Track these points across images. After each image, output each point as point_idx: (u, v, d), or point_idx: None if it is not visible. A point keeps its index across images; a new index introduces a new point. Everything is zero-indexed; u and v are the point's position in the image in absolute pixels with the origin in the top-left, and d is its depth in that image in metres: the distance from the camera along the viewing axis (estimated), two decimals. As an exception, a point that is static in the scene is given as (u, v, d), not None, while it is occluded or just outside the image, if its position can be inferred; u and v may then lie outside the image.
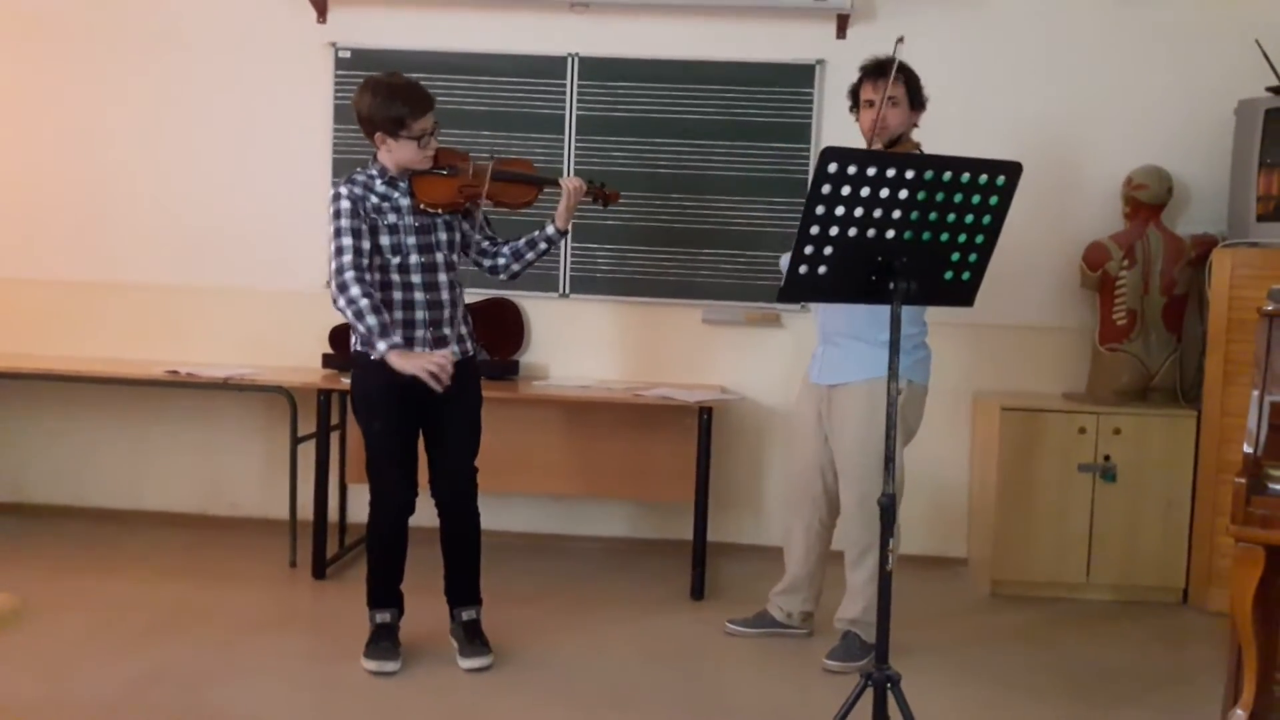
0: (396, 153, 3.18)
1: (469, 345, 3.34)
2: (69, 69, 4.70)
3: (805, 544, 3.59)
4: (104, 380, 4.32)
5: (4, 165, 4.76)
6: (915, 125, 3.42)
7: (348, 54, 4.58)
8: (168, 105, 4.68)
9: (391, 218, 3.19)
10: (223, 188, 4.68)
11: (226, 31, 4.64)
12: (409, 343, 3.20)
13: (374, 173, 3.22)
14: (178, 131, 4.68)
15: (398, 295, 3.20)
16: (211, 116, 4.67)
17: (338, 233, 3.13)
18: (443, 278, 3.26)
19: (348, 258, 3.11)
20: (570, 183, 3.36)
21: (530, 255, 3.42)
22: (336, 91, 4.59)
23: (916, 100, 3.38)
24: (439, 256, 3.25)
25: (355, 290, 3.08)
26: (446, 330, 3.25)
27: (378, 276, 3.19)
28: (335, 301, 3.12)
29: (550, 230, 3.39)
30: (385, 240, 3.18)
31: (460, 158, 3.29)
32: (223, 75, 4.66)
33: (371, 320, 3.08)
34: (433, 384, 3.09)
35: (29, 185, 4.75)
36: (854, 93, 3.46)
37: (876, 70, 3.35)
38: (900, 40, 3.02)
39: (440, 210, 3.24)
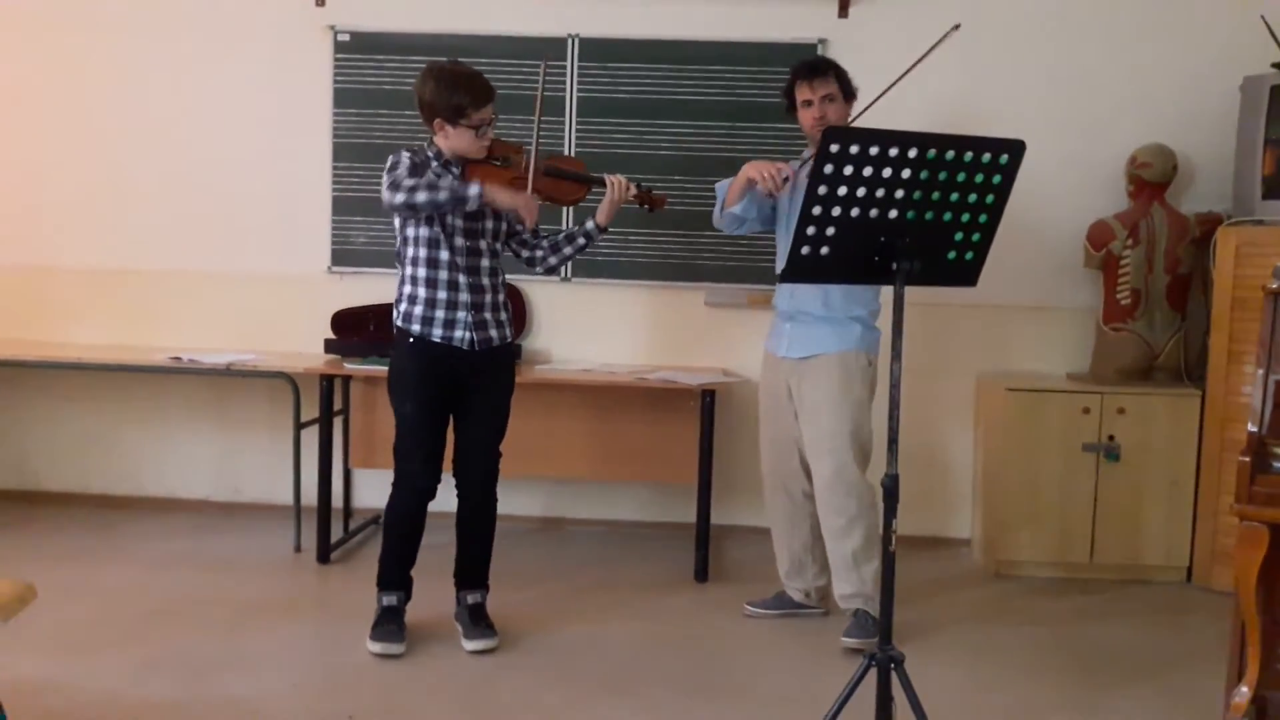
0: (453, 140, 3.20)
1: (507, 332, 3.36)
2: (67, 58, 4.69)
3: (793, 519, 3.61)
4: (107, 367, 4.32)
5: (3, 154, 4.74)
6: (848, 114, 3.51)
7: (347, 37, 4.57)
8: (167, 90, 4.67)
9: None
10: (223, 172, 4.67)
11: (226, 16, 4.63)
12: (450, 324, 3.21)
13: (430, 155, 3.25)
14: (178, 117, 4.67)
15: (443, 274, 3.22)
16: (211, 101, 4.66)
17: (395, 166, 3.13)
18: (485, 263, 3.28)
19: (403, 171, 3.10)
20: (618, 182, 3.37)
21: (568, 250, 3.45)
22: (336, 75, 4.57)
23: (849, 92, 3.50)
24: (483, 243, 3.28)
25: (409, 180, 3.06)
26: (487, 314, 3.28)
27: (424, 252, 3.21)
28: (396, 198, 3.05)
29: (590, 226, 3.42)
30: (433, 218, 3.20)
31: (514, 150, 3.33)
32: (222, 59, 4.64)
33: (442, 182, 3.08)
34: (529, 218, 3.17)
35: (28, 173, 4.75)
36: (788, 94, 3.54)
37: (809, 70, 3.47)
38: (956, 27, 3.15)
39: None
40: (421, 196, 3.06)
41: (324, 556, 4.13)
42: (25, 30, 4.70)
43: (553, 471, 4.50)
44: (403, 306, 3.26)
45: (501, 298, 3.35)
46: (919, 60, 3.20)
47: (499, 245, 3.34)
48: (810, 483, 3.56)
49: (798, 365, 3.49)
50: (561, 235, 3.45)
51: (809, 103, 3.46)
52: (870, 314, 3.49)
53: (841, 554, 3.45)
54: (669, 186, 4.46)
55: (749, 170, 3.38)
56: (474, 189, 3.10)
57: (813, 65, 3.50)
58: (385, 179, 3.12)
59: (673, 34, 4.47)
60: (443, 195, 3.07)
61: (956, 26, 3.13)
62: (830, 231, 2.38)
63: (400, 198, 3.06)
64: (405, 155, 3.19)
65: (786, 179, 3.33)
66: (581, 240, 3.44)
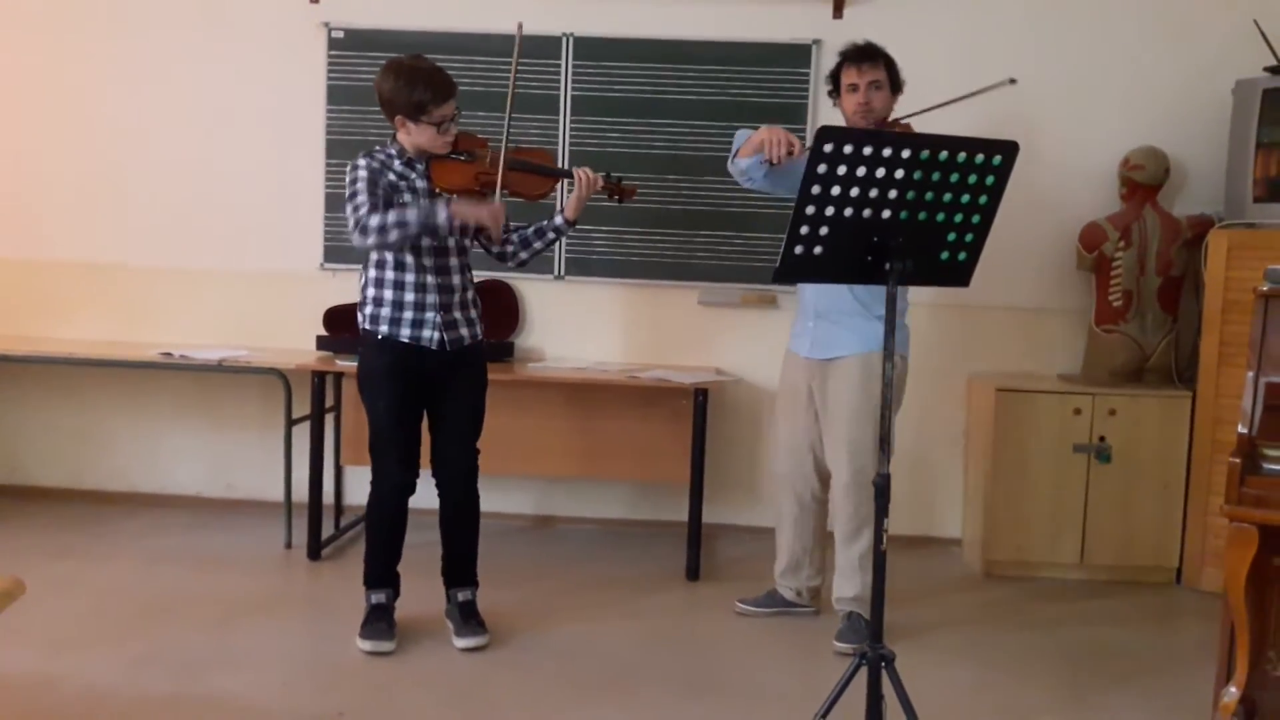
0: (415, 136, 3.18)
1: (477, 330, 3.34)
2: (62, 51, 4.67)
3: (799, 520, 3.60)
4: (98, 363, 4.31)
5: (-4, 146, 4.75)
6: (893, 106, 3.46)
7: (341, 34, 4.56)
8: (161, 86, 4.66)
9: (407, 198, 3.19)
10: (216, 168, 4.66)
11: (221, 12, 4.62)
12: (418, 325, 3.20)
13: (393, 152, 3.23)
14: (172, 112, 4.66)
15: (410, 277, 3.20)
16: (205, 97, 4.65)
17: (354, 194, 3.12)
18: (454, 261, 3.27)
19: (362, 201, 3.09)
20: (586, 175, 3.35)
21: (538, 244, 3.42)
22: (330, 72, 4.57)
23: (896, 84, 3.44)
24: (451, 241, 3.25)
25: (375, 219, 3.06)
26: (457, 314, 3.27)
27: (390, 256, 3.19)
28: (367, 241, 3.07)
29: (559, 220, 3.39)
30: None
31: (479, 144, 3.30)
32: (217, 55, 4.63)
33: (410, 214, 3.07)
34: (496, 232, 3.17)
35: (20, 167, 4.73)
36: (834, 77, 3.48)
37: (859, 55, 3.40)
38: (1013, 81, 3.20)
39: (456, 195, 3.24)
40: (394, 236, 3.06)
41: (315, 553, 4.12)
42: (19, 25, 4.68)
43: (545, 470, 4.50)
44: (368, 309, 3.23)
45: (471, 295, 3.32)
46: (964, 97, 3.20)
47: (468, 242, 3.30)
48: (822, 486, 3.57)
49: (821, 366, 3.46)
50: (531, 230, 3.42)
51: (855, 87, 3.38)
52: (900, 311, 3.42)
53: (849, 557, 3.44)
54: (663, 186, 4.48)
55: (763, 132, 3.31)
56: (442, 215, 3.08)
57: (863, 50, 3.41)
58: (348, 211, 3.11)
59: (668, 33, 4.47)
60: (413, 229, 3.07)
61: (1012, 81, 3.17)
62: (824, 231, 2.39)
63: (372, 240, 3.07)
64: (362, 170, 3.14)
65: (791, 153, 3.25)
66: (550, 235, 3.41)
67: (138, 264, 4.71)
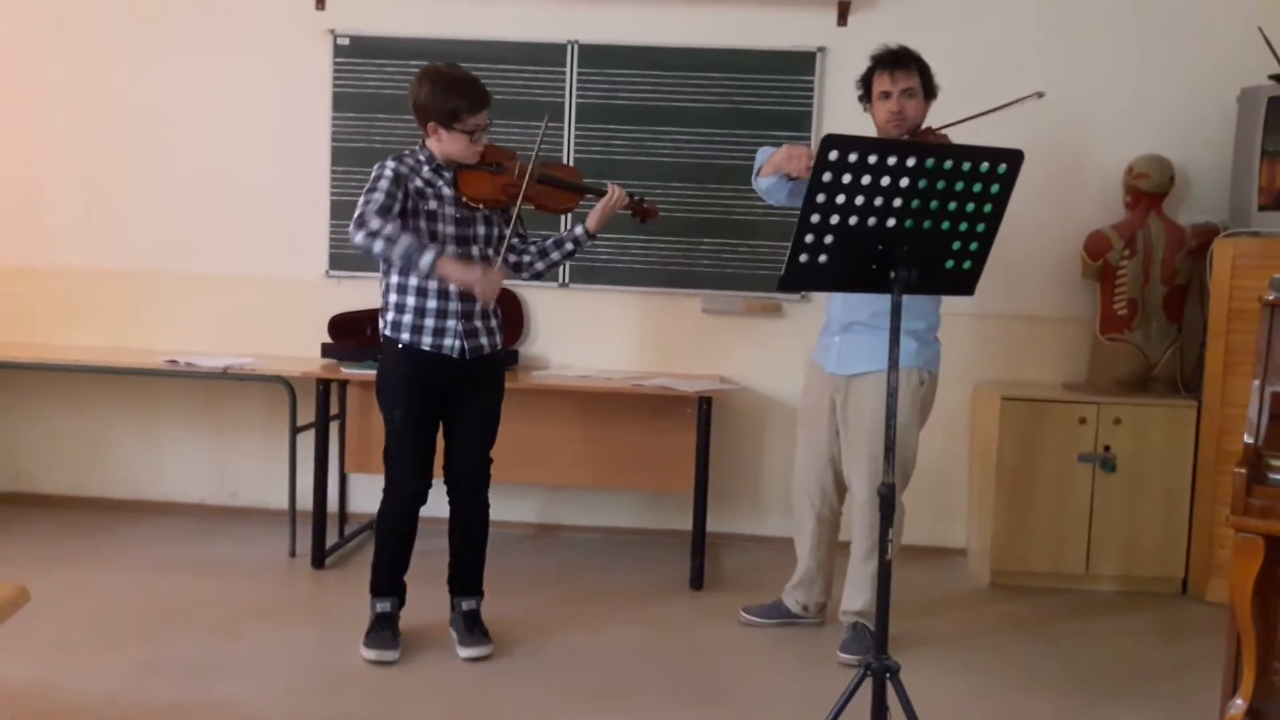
0: (446, 144, 3.18)
1: (497, 339, 3.34)
2: (67, 59, 4.69)
3: (816, 534, 3.59)
4: (103, 370, 4.32)
5: (1, 155, 4.74)
6: (926, 113, 3.39)
7: (346, 41, 4.57)
8: (166, 92, 4.66)
9: (433, 204, 3.19)
10: (222, 176, 4.67)
11: (226, 19, 4.63)
12: (440, 333, 3.20)
13: (422, 158, 3.23)
14: (177, 119, 4.67)
15: (433, 284, 3.19)
16: (210, 103, 4.66)
17: (374, 189, 3.10)
18: None
19: (377, 198, 3.07)
20: (613, 191, 3.36)
21: (556, 255, 3.43)
22: (335, 79, 4.57)
23: (930, 90, 3.36)
24: (474, 250, 3.26)
25: (375, 222, 3.03)
26: (478, 322, 3.27)
27: None
28: (356, 237, 3.03)
29: (579, 231, 3.40)
30: (423, 225, 3.18)
31: (507, 156, 3.31)
32: (222, 62, 4.64)
33: (405, 239, 3.04)
34: (482, 298, 3.16)
35: (26, 174, 4.74)
36: (865, 82, 3.40)
37: (892, 61, 3.31)
38: (1040, 94, 3.16)
39: (481, 206, 3.25)
40: (378, 246, 3.03)
41: (319, 562, 4.12)
42: (23, 31, 4.70)
43: (548, 478, 4.49)
44: (390, 315, 3.24)
45: (492, 305, 3.33)
46: (988, 112, 3.16)
47: (490, 251, 3.31)
48: (839, 501, 3.55)
49: (845, 381, 3.41)
50: (550, 240, 3.43)
51: (887, 95, 3.29)
52: (928, 328, 3.38)
53: (863, 572, 3.41)
54: (668, 193, 4.47)
55: (782, 152, 3.25)
56: (426, 260, 3.04)
57: (896, 56, 3.30)
58: (360, 202, 3.08)
59: (672, 41, 4.48)
60: (397, 254, 3.04)
61: (1040, 94, 3.15)
62: (829, 239, 2.38)
63: (360, 238, 3.03)
64: (389, 169, 3.15)
65: (810, 168, 3.23)
66: (570, 246, 3.42)
67: (142, 271, 4.72)
